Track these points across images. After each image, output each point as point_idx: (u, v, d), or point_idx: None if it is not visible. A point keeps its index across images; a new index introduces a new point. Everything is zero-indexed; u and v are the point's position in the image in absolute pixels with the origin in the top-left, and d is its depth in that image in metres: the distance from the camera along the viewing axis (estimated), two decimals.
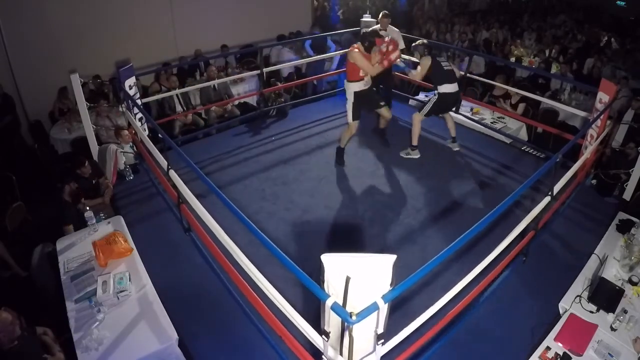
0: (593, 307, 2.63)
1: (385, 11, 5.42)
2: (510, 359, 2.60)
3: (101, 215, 3.52)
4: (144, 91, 5.80)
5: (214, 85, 6.05)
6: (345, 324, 1.71)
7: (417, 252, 3.42)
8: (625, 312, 2.56)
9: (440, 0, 13.42)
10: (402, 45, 5.31)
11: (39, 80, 5.91)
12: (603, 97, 3.98)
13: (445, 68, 4.47)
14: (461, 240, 2.12)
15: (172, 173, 3.29)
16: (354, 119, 4.36)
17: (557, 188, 3.13)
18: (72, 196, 3.59)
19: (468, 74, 5.57)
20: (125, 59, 5.96)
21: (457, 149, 4.88)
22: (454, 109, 5.06)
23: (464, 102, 5.58)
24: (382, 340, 1.83)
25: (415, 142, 4.69)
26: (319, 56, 6.88)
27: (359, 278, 1.65)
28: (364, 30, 4.97)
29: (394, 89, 5.97)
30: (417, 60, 4.85)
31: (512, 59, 7.99)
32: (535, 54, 8.20)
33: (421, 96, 6.29)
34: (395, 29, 5.45)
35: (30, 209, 4.09)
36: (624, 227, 3.26)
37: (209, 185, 2.71)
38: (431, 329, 2.39)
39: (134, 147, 4.66)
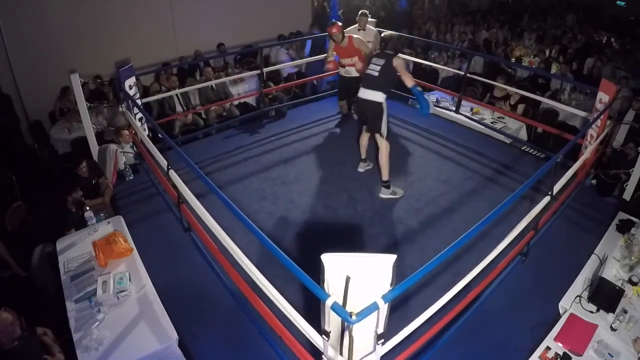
0: (593, 307, 2.63)
1: (364, 10, 5.43)
2: (510, 359, 2.60)
3: (101, 215, 3.53)
4: (145, 91, 5.80)
5: (212, 86, 6.05)
6: (345, 323, 1.71)
7: (417, 252, 3.42)
8: (625, 312, 2.56)
9: (440, 0, 13.42)
10: (372, 45, 5.12)
11: (39, 80, 5.92)
12: (603, 97, 3.98)
13: (368, 70, 3.83)
14: (461, 241, 2.12)
15: (172, 173, 3.29)
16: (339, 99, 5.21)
17: (557, 188, 3.12)
18: (75, 204, 3.59)
19: (468, 74, 5.57)
20: (125, 59, 5.97)
21: (361, 170, 4.43)
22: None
23: (464, 102, 5.59)
24: (382, 340, 1.83)
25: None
26: (317, 56, 6.88)
27: (359, 278, 1.65)
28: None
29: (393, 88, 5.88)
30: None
31: (513, 59, 8.00)
32: (535, 54, 8.21)
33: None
34: (374, 29, 5.46)
35: (30, 209, 4.08)
36: (624, 227, 3.26)
37: (209, 185, 2.70)
38: (431, 329, 2.39)
39: (134, 147, 4.66)
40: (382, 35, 3.98)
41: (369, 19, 6.02)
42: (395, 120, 5.47)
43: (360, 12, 5.40)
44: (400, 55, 3.89)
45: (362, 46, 4.81)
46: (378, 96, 3.75)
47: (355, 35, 4.88)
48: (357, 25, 5.39)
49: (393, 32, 4.01)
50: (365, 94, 3.79)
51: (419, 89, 3.82)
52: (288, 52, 7.64)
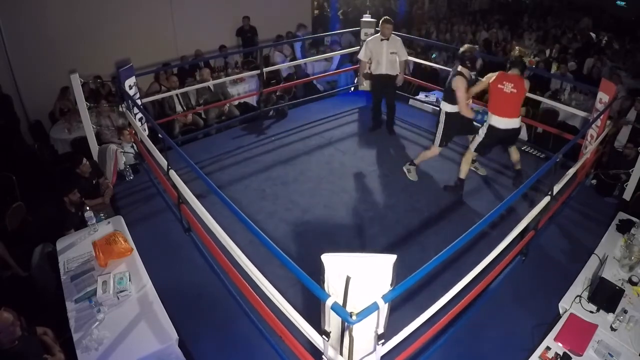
0: (593, 307, 2.63)
1: (387, 17, 4.89)
2: (510, 359, 2.60)
3: (101, 215, 3.52)
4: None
5: (209, 87, 6.04)
6: (346, 324, 1.71)
7: (417, 252, 3.42)
8: (625, 312, 2.56)
9: (441, 0, 13.43)
10: (404, 56, 4.91)
11: (39, 80, 5.92)
12: (603, 97, 3.98)
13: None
14: (461, 240, 2.12)
15: (172, 173, 3.29)
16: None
17: (557, 188, 3.13)
18: (74, 205, 3.59)
19: None
20: (125, 59, 5.96)
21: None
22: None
23: None
24: (382, 340, 1.83)
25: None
26: (318, 56, 6.89)
27: (359, 278, 1.65)
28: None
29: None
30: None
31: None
32: (535, 54, 8.21)
33: (421, 96, 6.28)
34: (398, 37, 4.94)
35: (30, 209, 4.09)
36: (624, 227, 3.26)
37: (209, 185, 2.70)
38: (431, 329, 2.39)
39: (135, 147, 4.66)
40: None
41: (369, 19, 6.02)
42: (395, 120, 5.46)
43: (383, 19, 4.79)
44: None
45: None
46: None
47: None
48: (378, 35, 4.82)
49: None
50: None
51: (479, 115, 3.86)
52: (282, 53, 7.64)
